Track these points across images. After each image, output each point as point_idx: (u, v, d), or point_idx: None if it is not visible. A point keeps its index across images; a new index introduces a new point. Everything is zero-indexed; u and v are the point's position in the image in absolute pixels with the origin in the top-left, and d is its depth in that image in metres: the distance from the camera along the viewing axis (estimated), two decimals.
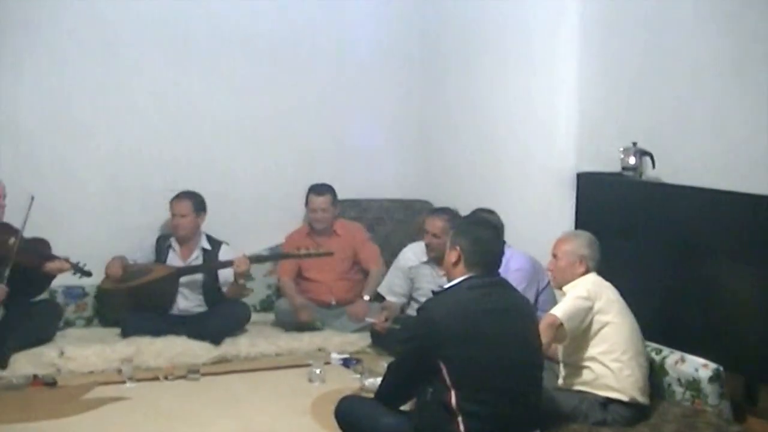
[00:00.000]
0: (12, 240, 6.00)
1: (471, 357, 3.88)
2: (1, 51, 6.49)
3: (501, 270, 5.56)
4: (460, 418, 3.84)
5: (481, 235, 4.15)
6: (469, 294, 4.02)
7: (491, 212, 5.88)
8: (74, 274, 6.44)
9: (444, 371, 3.86)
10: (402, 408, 4.19)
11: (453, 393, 3.85)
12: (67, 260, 6.20)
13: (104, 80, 6.81)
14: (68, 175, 6.78)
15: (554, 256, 5.01)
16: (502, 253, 4.24)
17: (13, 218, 6.11)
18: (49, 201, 6.28)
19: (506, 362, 3.94)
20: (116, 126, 6.90)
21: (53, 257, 6.20)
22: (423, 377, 3.97)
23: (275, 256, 7.04)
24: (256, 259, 6.74)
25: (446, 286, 4.16)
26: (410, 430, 4.00)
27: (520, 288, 5.42)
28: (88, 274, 6.45)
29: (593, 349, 4.71)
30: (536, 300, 5.77)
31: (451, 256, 4.14)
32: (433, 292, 4.25)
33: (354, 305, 6.88)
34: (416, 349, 4.00)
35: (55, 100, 6.69)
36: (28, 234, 6.07)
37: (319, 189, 7.05)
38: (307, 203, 7.09)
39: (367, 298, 6.84)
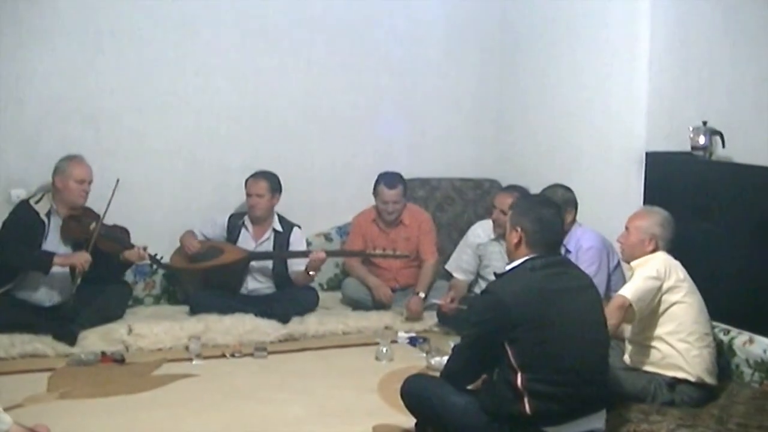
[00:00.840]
0: (93, 225, 6.12)
1: (537, 339, 3.87)
2: (82, 31, 6.57)
3: (572, 248, 5.61)
4: (526, 399, 3.85)
5: (542, 214, 4.11)
6: (534, 275, 3.99)
7: (567, 189, 5.84)
8: (151, 265, 6.60)
9: (510, 353, 3.86)
10: (468, 387, 4.20)
11: (519, 374, 3.85)
12: (145, 250, 6.29)
13: (182, 60, 6.87)
14: (146, 154, 6.85)
15: (627, 229, 4.98)
16: (563, 231, 4.23)
17: (92, 201, 6.23)
18: (127, 180, 6.31)
19: (572, 342, 3.93)
20: (194, 106, 6.96)
21: (132, 246, 6.28)
22: (490, 358, 3.98)
23: (349, 253, 6.97)
24: (332, 254, 6.78)
25: (508, 267, 4.15)
26: (477, 410, 4.01)
27: (592, 267, 5.46)
28: (164, 266, 6.60)
29: (661, 329, 4.70)
30: (608, 279, 5.75)
31: (513, 237, 4.11)
32: (496, 275, 4.25)
33: (409, 302, 6.75)
34: (485, 332, 3.99)
35: (133, 80, 6.75)
36: (110, 214, 6.17)
37: (391, 181, 6.91)
38: (376, 192, 6.98)
39: (422, 295, 6.76)
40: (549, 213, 4.14)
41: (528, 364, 3.86)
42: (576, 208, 5.82)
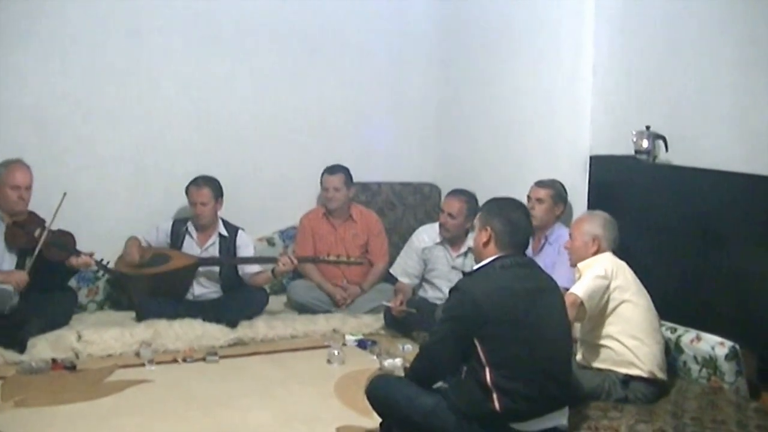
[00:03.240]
0: (38, 231, 6.07)
1: (507, 335, 3.96)
2: (28, 38, 6.50)
3: (553, 240, 5.79)
4: (495, 395, 3.93)
5: (512, 215, 4.21)
6: (504, 273, 4.09)
7: (562, 185, 6.11)
8: (97, 271, 6.55)
9: (480, 350, 3.94)
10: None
11: (488, 371, 3.93)
12: (91, 256, 6.22)
13: (129, 66, 6.85)
14: (93, 160, 6.81)
15: (570, 235, 5.13)
16: (531, 233, 4.33)
17: (39, 207, 6.18)
18: (73, 186, 6.29)
19: (540, 340, 4.02)
20: (141, 112, 6.94)
21: (78, 252, 6.21)
22: (459, 356, 4.06)
23: (312, 259, 6.95)
24: (300, 260, 6.80)
25: (477, 266, 4.23)
26: (446, 409, 4.06)
27: None
28: (112, 272, 6.56)
29: (611, 327, 4.82)
30: None
31: (482, 236, 4.20)
32: (464, 273, 4.33)
33: (347, 289, 6.97)
34: (456, 327, 4.05)
35: (80, 86, 6.71)
36: (55, 219, 6.11)
37: (332, 169, 7.10)
38: (321, 184, 7.14)
39: (363, 291, 6.96)
40: (518, 215, 4.24)
41: (497, 361, 3.94)
42: (566, 204, 6.06)
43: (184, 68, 7.04)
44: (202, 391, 5.35)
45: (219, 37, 7.13)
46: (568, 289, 4.76)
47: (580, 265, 5.00)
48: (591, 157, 6.04)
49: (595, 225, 5.03)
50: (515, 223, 4.20)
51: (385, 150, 7.80)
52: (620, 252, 5.02)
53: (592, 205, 5.86)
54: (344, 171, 7.11)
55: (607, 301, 4.81)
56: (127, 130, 6.92)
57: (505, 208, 4.27)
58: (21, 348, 5.77)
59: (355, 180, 7.27)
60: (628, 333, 4.77)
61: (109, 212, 6.84)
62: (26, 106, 6.55)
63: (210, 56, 7.12)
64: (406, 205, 7.72)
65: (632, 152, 5.69)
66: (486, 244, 4.19)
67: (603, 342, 4.84)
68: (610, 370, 4.78)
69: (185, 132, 7.10)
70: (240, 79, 7.24)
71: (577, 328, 4.96)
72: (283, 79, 7.38)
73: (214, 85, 7.16)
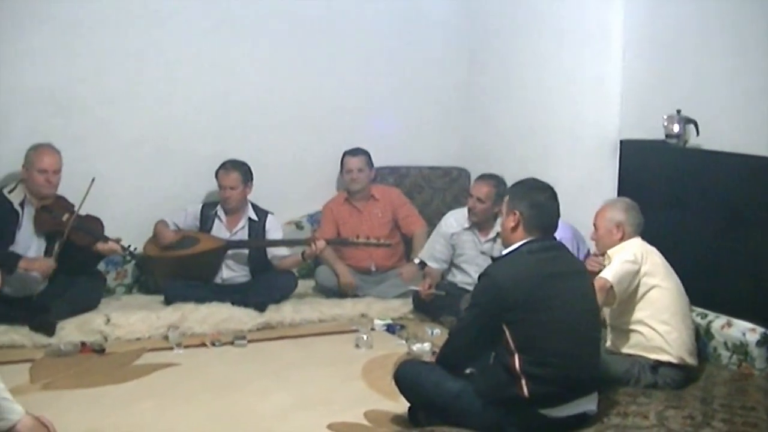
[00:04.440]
0: (66, 216, 6.09)
1: (535, 320, 3.96)
2: (48, 21, 6.50)
3: None
4: (523, 381, 3.93)
5: (539, 199, 4.21)
6: (531, 258, 4.09)
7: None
8: (124, 258, 6.58)
9: (508, 335, 3.94)
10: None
11: (516, 356, 3.93)
12: (118, 242, 6.24)
13: (151, 49, 6.83)
14: (115, 144, 6.81)
15: (594, 225, 5.10)
16: (558, 216, 4.30)
17: (65, 190, 6.21)
18: (95, 169, 6.30)
19: (569, 325, 4.02)
20: (162, 95, 6.92)
21: (106, 238, 6.23)
22: (487, 341, 4.06)
23: (343, 241, 6.94)
24: (330, 242, 6.79)
25: (505, 251, 4.22)
26: (473, 394, 4.07)
27: None
28: (140, 257, 6.58)
29: (640, 313, 4.80)
30: None
31: (510, 221, 4.20)
32: (493, 258, 4.32)
33: (405, 268, 6.94)
34: (483, 313, 4.06)
35: (101, 70, 6.70)
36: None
37: (354, 151, 7.14)
38: (342, 167, 7.17)
39: (417, 261, 6.82)
40: (545, 197, 4.24)
41: (526, 346, 3.95)
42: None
43: (204, 51, 7.02)
44: (228, 375, 5.37)
45: (238, 19, 7.11)
46: None
47: (609, 251, 4.97)
48: (621, 142, 5.98)
49: (617, 211, 5.00)
50: (542, 206, 4.20)
51: (412, 133, 7.76)
52: (650, 238, 4.98)
53: (622, 190, 5.79)
54: (365, 152, 7.14)
55: (637, 286, 4.79)
56: (148, 114, 6.91)
57: (531, 192, 4.26)
58: (51, 331, 5.79)
59: (383, 164, 7.26)
60: (658, 318, 4.75)
61: (129, 195, 6.83)
62: (48, 88, 6.53)
63: (229, 39, 7.09)
64: (434, 189, 7.69)
65: (662, 136, 5.64)
66: (514, 228, 4.18)
67: (632, 327, 4.82)
68: (639, 356, 4.76)
69: (206, 115, 7.08)
70: (260, 62, 7.21)
71: (606, 314, 4.94)
72: (303, 61, 7.33)
73: (234, 68, 7.14)
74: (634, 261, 4.79)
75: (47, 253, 6.06)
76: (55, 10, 6.52)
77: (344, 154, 7.16)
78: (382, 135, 7.56)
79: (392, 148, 7.54)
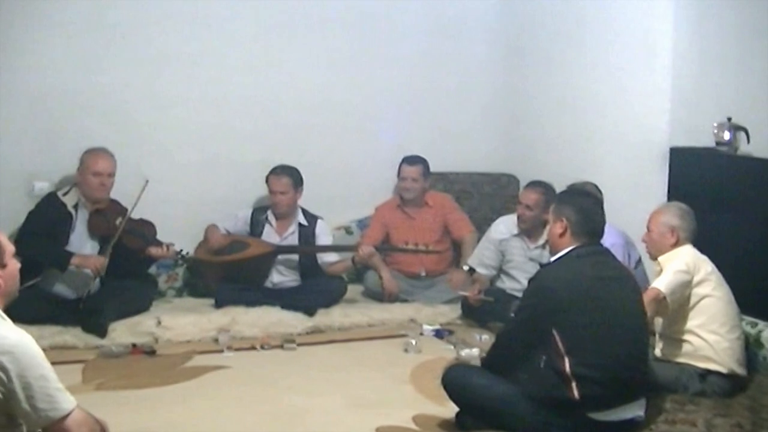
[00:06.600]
0: (119, 220, 6.17)
1: (585, 324, 3.98)
2: (98, 24, 6.59)
3: None
4: (574, 384, 3.94)
5: (585, 205, 4.25)
6: (579, 262, 4.12)
7: (594, 185, 5.91)
8: (175, 262, 6.64)
9: (557, 338, 3.96)
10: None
11: (567, 359, 3.95)
12: (170, 247, 6.31)
13: (198, 52, 6.89)
14: (162, 148, 6.88)
15: (647, 228, 5.06)
16: (605, 222, 4.31)
17: (120, 196, 6.29)
18: (146, 173, 6.35)
19: (618, 329, 4.04)
20: (210, 99, 6.98)
21: (158, 242, 6.31)
22: (536, 345, 4.07)
23: (393, 248, 7.02)
24: (378, 249, 6.84)
25: (554, 258, 4.25)
26: (522, 398, 4.08)
27: None
28: (191, 261, 6.65)
29: (691, 322, 4.77)
30: None
31: (557, 227, 4.22)
32: (541, 265, 4.34)
33: (452, 274, 6.98)
34: (532, 317, 4.10)
35: (148, 74, 6.78)
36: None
37: (412, 159, 7.12)
38: (399, 173, 7.17)
39: (466, 267, 6.84)
40: (590, 203, 4.30)
41: (575, 348, 3.96)
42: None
43: (254, 56, 7.08)
44: (277, 378, 5.40)
45: (288, 23, 7.15)
46: None
47: (660, 258, 4.94)
48: (671, 149, 5.95)
49: (671, 215, 4.97)
50: (588, 211, 4.23)
51: (460, 139, 7.76)
52: (701, 245, 4.94)
53: (672, 197, 5.74)
54: (423, 162, 7.12)
55: (689, 296, 4.76)
56: (196, 118, 6.97)
57: (576, 198, 4.33)
58: (102, 333, 5.87)
59: (431, 170, 7.26)
60: (708, 328, 4.73)
61: (178, 199, 6.86)
62: (95, 92, 6.62)
63: (279, 44, 7.14)
64: (483, 195, 7.69)
65: (712, 144, 5.61)
66: (561, 235, 4.21)
67: (683, 336, 4.80)
68: (687, 364, 4.73)
69: (257, 120, 7.13)
70: (311, 66, 7.25)
71: (657, 323, 4.92)
72: (352, 66, 7.38)
73: (283, 71, 7.17)
74: (686, 271, 4.76)
75: (100, 255, 6.12)
76: (108, 17, 6.62)
77: (402, 161, 7.16)
78: (434, 141, 7.57)
79: (441, 153, 7.51)
